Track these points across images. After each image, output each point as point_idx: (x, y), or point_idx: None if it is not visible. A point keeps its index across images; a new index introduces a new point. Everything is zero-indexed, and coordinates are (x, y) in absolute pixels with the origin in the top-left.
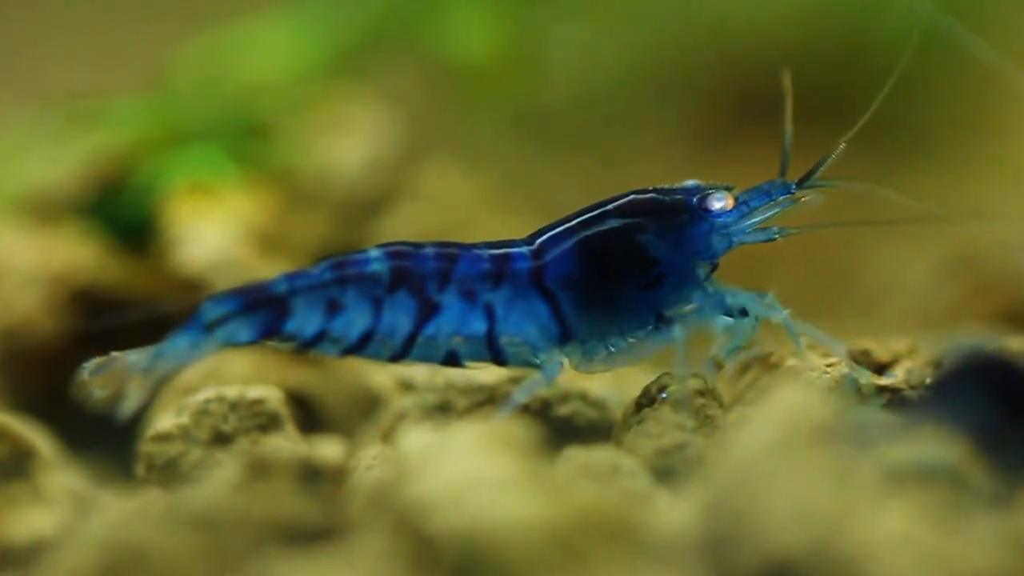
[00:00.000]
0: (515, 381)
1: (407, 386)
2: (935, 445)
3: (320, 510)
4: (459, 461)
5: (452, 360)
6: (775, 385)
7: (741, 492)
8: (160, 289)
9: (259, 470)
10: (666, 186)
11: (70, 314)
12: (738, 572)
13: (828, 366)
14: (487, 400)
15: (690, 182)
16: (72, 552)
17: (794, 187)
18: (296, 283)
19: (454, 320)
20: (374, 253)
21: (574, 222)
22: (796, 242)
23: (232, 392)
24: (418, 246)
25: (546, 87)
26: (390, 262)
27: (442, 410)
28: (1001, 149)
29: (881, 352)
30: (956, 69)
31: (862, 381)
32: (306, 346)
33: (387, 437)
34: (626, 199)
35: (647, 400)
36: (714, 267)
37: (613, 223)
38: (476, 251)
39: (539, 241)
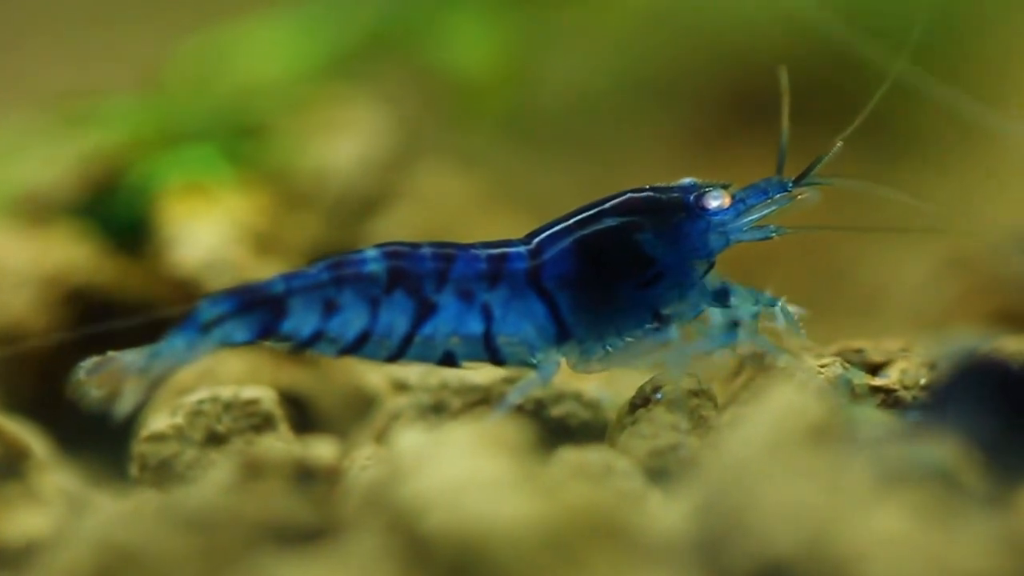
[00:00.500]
0: (509, 381)
1: (401, 386)
2: (929, 446)
3: (314, 510)
4: (453, 461)
5: (449, 360)
6: (769, 386)
7: (735, 493)
8: (154, 289)
9: (253, 470)
10: (662, 184)
11: (64, 315)
12: (731, 573)
13: (822, 367)
14: (481, 400)
15: (686, 180)
16: (66, 552)
17: (791, 185)
18: (293, 283)
19: (451, 320)
20: (371, 253)
21: (571, 221)
22: (792, 241)
23: (226, 392)
24: (415, 246)
25: (542, 89)
26: (387, 262)
27: (436, 410)
28: (1000, 149)
29: (875, 352)
30: (956, 69)
31: (855, 381)
32: (303, 346)
33: (381, 437)
34: (622, 198)
35: (641, 400)
36: (711, 265)
37: (610, 222)
38: (473, 251)
39: (536, 241)
